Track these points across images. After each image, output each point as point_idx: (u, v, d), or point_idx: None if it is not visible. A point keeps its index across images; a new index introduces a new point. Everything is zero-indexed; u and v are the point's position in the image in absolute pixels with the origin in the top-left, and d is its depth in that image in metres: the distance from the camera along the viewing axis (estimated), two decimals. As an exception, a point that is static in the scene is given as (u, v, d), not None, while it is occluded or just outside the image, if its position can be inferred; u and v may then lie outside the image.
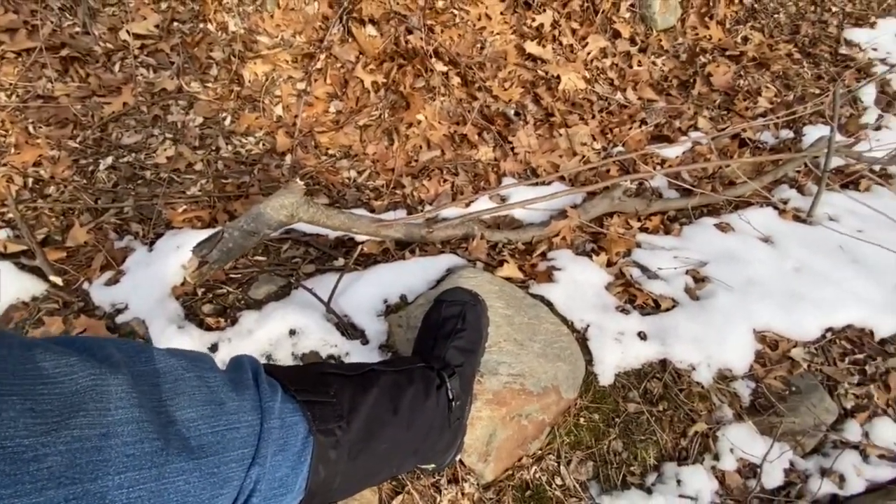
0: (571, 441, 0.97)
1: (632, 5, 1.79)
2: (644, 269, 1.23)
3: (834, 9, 2.01)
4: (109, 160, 1.35)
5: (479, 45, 1.66)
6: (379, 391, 0.61)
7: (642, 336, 1.08)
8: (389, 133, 1.50)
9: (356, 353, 1.01)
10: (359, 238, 1.25)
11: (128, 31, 1.48)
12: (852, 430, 1.00)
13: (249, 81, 1.53)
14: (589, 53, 1.71)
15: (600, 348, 1.05)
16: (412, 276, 1.14)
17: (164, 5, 1.57)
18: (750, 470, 0.96)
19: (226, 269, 1.17)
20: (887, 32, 1.97)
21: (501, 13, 1.68)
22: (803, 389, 1.04)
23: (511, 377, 0.94)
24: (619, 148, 1.51)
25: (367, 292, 1.10)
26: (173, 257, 1.14)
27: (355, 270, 1.17)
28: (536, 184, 1.40)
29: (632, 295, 1.16)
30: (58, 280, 1.11)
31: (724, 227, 1.34)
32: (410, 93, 1.51)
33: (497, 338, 0.98)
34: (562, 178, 1.42)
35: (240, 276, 1.17)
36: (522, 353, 0.97)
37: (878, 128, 1.68)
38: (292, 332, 1.03)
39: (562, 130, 1.53)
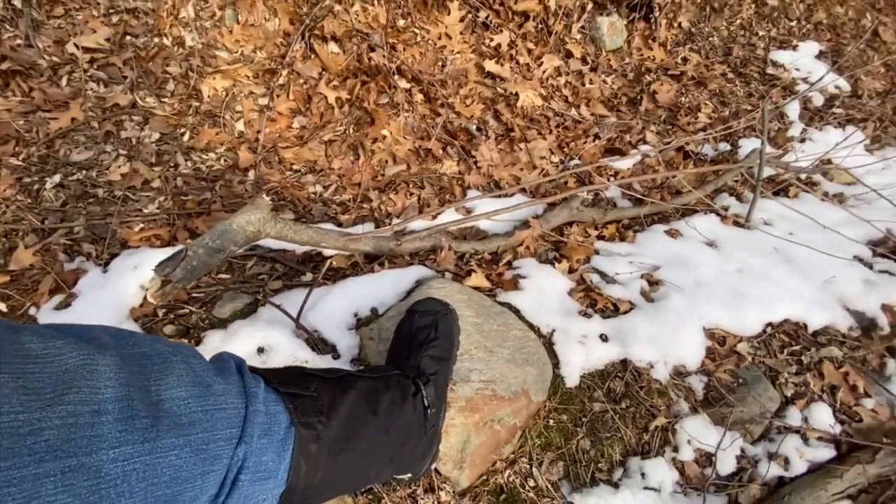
0: (542, 443, 1.00)
1: (582, 27, 1.91)
2: (603, 275, 1.29)
3: (761, 33, 2.21)
4: (57, 178, 1.29)
5: (440, 63, 1.71)
6: (357, 393, 0.62)
7: (604, 338, 1.13)
8: (355, 148, 1.52)
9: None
10: (327, 252, 1.25)
11: (76, 45, 1.43)
12: (793, 416, 1.10)
13: (209, 97, 1.51)
14: (544, 72, 1.80)
15: (566, 351, 1.10)
16: (382, 288, 1.15)
17: (115, 19, 1.52)
18: (706, 459, 1.02)
19: (188, 288, 1.14)
20: (808, 54, 2.19)
21: (461, 33, 1.75)
22: (749, 381, 1.12)
23: (483, 383, 0.96)
24: (576, 161, 1.60)
25: (336, 306, 1.10)
26: (131, 278, 1.10)
27: (324, 285, 1.17)
28: (500, 196, 1.45)
29: (593, 299, 1.22)
30: (1, 306, 1.04)
31: (673, 234, 1.44)
32: (375, 109, 1.53)
33: (468, 345, 1.00)
34: (523, 190, 1.48)
35: (203, 295, 1.14)
36: (493, 359, 1.00)
37: (802, 140, 1.86)
38: (261, 350, 1.02)
39: (521, 145, 1.60)
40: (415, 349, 0.84)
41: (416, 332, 0.87)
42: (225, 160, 1.43)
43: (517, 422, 0.98)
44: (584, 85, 1.81)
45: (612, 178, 1.57)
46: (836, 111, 1.98)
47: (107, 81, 1.45)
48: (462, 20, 1.75)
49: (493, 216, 1.34)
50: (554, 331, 1.13)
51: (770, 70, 2.05)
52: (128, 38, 1.51)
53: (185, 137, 1.44)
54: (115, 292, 1.08)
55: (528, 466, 0.97)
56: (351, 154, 1.51)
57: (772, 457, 1.04)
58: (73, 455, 0.32)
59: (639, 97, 1.82)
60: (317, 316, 1.09)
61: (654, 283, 1.28)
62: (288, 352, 1.01)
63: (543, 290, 1.22)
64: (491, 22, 1.76)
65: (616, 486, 0.97)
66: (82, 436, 0.33)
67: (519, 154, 1.59)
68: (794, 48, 2.16)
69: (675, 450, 1.02)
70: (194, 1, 1.58)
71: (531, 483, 0.96)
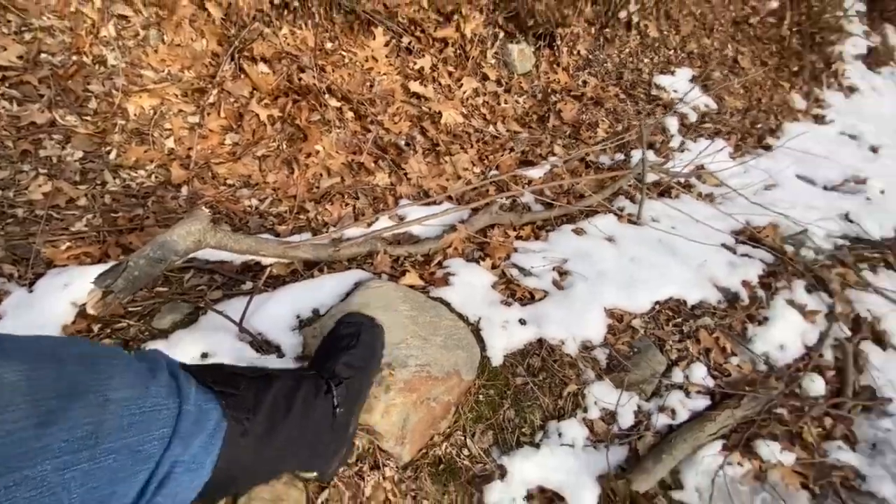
0: (474, 416, 1.13)
1: (496, 53, 2.13)
2: (521, 269, 1.47)
3: (646, 60, 2.59)
4: (-32, 199, 1.24)
5: (368, 84, 1.84)
6: (276, 392, 0.69)
7: (523, 322, 1.30)
8: (289, 163, 1.59)
9: (274, 367, 1.07)
10: (266, 262, 1.31)
11: (-16, 62, 1.38)
12: (677, 375, 1.33)
13: (135, 115, 1.51)
14: (464, 93, 1.99)
15: (491, 336, 1.25)
16: (322, 291, 1.24)
17: (27, 37, 1.48)
18: (610, 416, 1.21)
19: (124, 303, 1.15)
20: (683, 79, 2.59)
21: (386, 56, 1.89)
22: (642, 349, 1.34)
23: (419, 367, 1.08)
24: (494, 171, 1.79)
25: (279, 310, 1.17)
26: (61, 296, 1.09)
27: (265, 292, 1.23)
28: (429, 204, 1.59)
29: (513, 290, 1.39)
30: (-89, 332, 0.99)
31: (579, 232, 1.66)
32: (307, 125, 1.62)
33: (405, 335, 1.12)
34: (450, 198, 1.64)
35: (140, 308, 1.16)
36: (427, 346, 1.13)
37: (681, 150, 2.20)
38: (204, 355, 1.06)
39: (447, 158, 1.76)
40: (333, 354, 0.90)
41: (338, 339, 0.93)
42: (156, 177, 1.44)
43: (451, 399, 1.11)
44: (499, 104, 2.03)
45: (526, 186, 1.77)
46: (706, 126, 2.37)
47: (21, 100, 1.41)
48: (387, 45, 1.89)
49: (424, 222, 1.48)
50: (480, 319, 1.28)
51: (654, 92, 2.40)
52: (43, 56, 1.48)
53: (112, 155, 1.43)
54: (45, 311, 1.07)
55: (462, 438, 1.10)
56: (285, 168, 1.58)
57: (661, 409, 1.25)
58: (17, 469, 0.33)
59: (547, 115, 2.06)
60: (260, 320, 1.15)
61: (563, 273, 1.48)
62: (232, 355, 1.06)
63: (470, 285, 1.37)
64: (413, 47, 1.93)
65: (537, 446, 1.12)
66: (28, 449, 0.34)
67: (445, 166, 1.75)
68: (673, 73, 2.55)
69: (585, 410, 1.20)
70: (115, 20, 1.59)
71: (465, 452, 1.09)
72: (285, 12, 1.77)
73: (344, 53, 1.84)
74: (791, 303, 1.58)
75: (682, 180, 1.99)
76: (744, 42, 3.02)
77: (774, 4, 3.21)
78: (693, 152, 2.17)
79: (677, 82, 2.53)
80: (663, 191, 1.93)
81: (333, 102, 1.70)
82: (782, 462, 1.24)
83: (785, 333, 1.50)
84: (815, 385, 1.41)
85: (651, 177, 1.90)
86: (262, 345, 1.11)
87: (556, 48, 2.24)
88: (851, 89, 3.13)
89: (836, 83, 3.11)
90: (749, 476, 1.21)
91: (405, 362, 1.07)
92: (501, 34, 2.16)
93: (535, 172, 1.83)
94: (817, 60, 3.15)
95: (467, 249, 1.50)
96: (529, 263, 1.49)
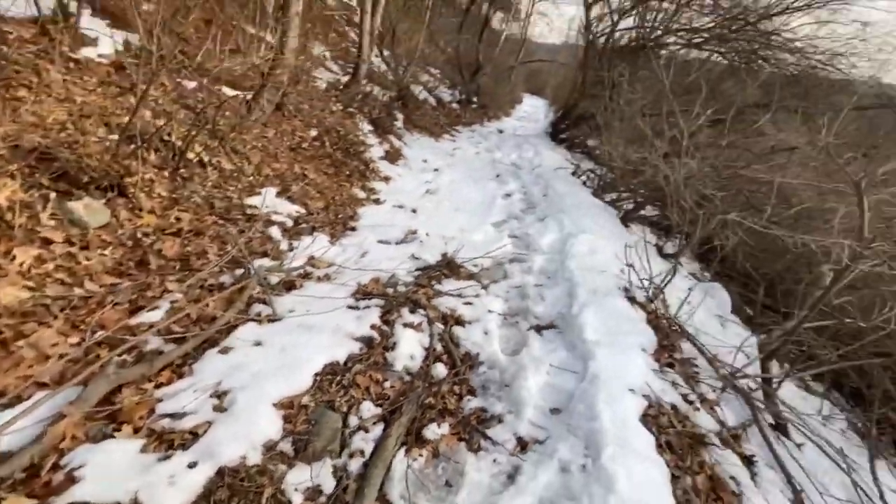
0: None
1: (53, 214, 1.90)
2: (173, 415, 1.37)
3: (231, 188, 2.91)
4: None
5: None
6: None
7: (193, 465, 1.22)
8: None
9: None
10: None
11: None
12: (353, 421, 1.56)
13: None
14: (23, 264, 1.67)
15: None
16: None
17: None
18: (314, 491, 1.30)
19: None
20: (270, 196, 3.06)
21: None
22: (318, 418, 1.51)
23: None
24: (100, 332, 1.58)
25: None
26: None
27: None
28: (8, 405, 1.24)
29: (170, 441, 1.27)
30: None
31: (224, 350, 1.70)
32: None
33: (20, 579, 0.84)
34: (41, 385, 1.33)
35: None
36: (65, 568, 0.89)
37: (291, 249, 2.60)
38: None
39: (20, 342, 1.42)
40: None
41: None
42: None
43: None
44: (79, 263, 1.81)
45: (147, 332, 1.66)
46: (302, 226, 2.89)
47: None
48: None
49: (6, 431, 1.15)
50: (137, 493, 1.11)
51: (248, 211, 2.74)
52: None
53: None
54: None
55: None
56: None
57: (351, 455, 1.44)
58: None
59: (146, 258, 2.00)
60: None
61: (222, 395, 1.48)
62: None
63: (107, 466, 1.16)
64: None
65: (256, 570, 1.08)
66: None
67: (21, 352, 1.41)
68: (259, 194, 2.99)
69: (290, 503, 1.24)
70: None
71: None
72: None
73: None
74: (406, 325, 2.15)
75: (300, 272, 2.36)
76: (304, 161, 3.88)
77: (314, 133, 4.31)
78: (301, 248, 2.61)
79: (266, 200, 2.97)
80: (289, 285, 2.23)
81: None
82: (443, 434, 1.67)
83: (410, 347, 2.02)
84: (440, 370, 1.97)
85: (273, 278, 2.16)
86: None
87: (130, 196, 2.21)
88: (387, 178, 4.55)
89: (376, 176, 4.44)
90: (429, 459, 1.56)
91: None
92: (53, 194, 1.95)
93: (155, 315, 1.74)
94: (359, 164, 4.41)
95: (93, 429, 1.27)
96: (181, 404, 1.40)
